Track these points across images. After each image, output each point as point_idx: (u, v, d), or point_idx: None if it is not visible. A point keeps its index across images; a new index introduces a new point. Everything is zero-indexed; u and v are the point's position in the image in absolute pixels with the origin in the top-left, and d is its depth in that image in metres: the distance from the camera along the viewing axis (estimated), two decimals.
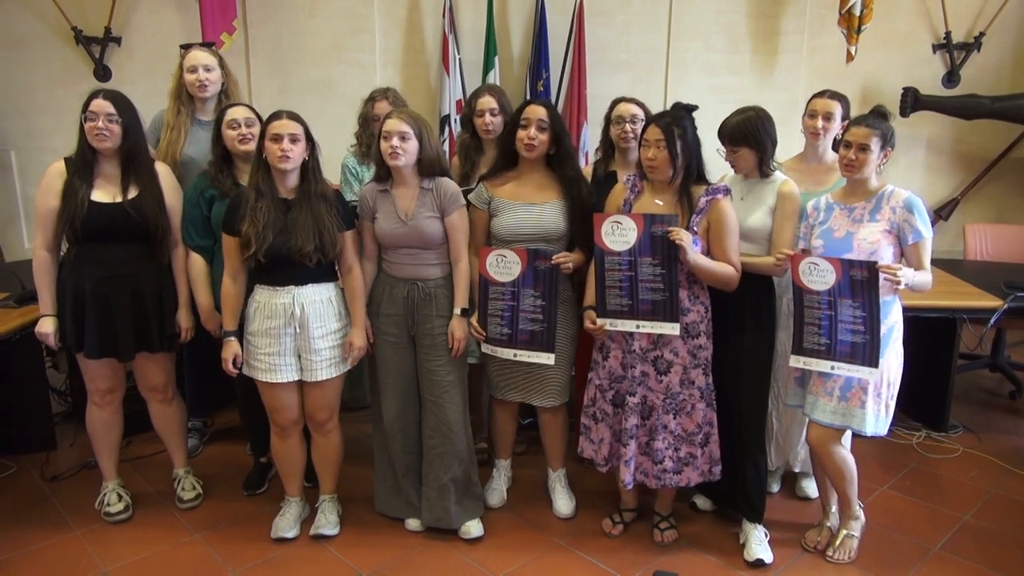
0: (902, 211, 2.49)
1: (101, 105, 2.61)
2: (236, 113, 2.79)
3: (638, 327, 2.56)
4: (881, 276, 2.38)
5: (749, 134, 2.59)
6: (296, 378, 2.64)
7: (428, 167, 2.64)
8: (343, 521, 2.90)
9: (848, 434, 2.73)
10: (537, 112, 2.71)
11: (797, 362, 2.57)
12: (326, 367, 2.64)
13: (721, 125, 2.64)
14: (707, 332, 2.61)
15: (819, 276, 2.47)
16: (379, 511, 2.96)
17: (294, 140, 2.49)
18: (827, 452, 2.61)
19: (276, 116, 2.53)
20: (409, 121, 2.57)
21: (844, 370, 2.48)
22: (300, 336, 2.60)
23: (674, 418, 2.62)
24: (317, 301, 2.60)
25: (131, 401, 3.01)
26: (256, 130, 2.74)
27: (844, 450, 2.64)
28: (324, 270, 2.62)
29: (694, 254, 2.46)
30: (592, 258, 2.65)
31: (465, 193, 2.78)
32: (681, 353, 2.59)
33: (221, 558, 2.72)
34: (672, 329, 2.52)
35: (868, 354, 2.45)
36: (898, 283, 2.38)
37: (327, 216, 2.55)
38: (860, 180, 2.54)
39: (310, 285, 2.59)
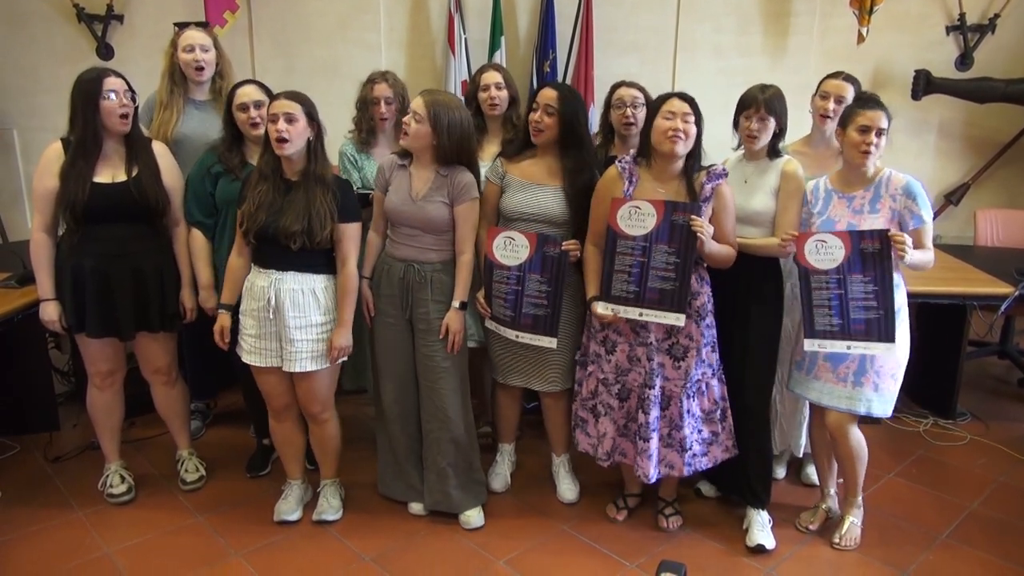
0: (903, 198, 2.46)
1: (119, 83, 2.59)
2: (245, 96, 2.75)
3: (641, 315, 2.51)
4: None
5: (781, 107, 2.58)
6: (277, 364, 2.59)
7: (443, 154, 2.59)
8: (346, 505, 2.89)
9: None
10: (546, 96, 2.67)
11: (812, 345, 2.51)
12: (304, 359, 2.56)
13: (749, 94, 2.59)
14: (712, 311, 2.59)
15: (827, 254, 2.43)
16: (382, 494, 2.95)
17: (290, 120, 2.43)
18: (844, 436, 2.59)
19: (275, 97, 2.50)
20: (426, 105, 2.54)
21: (861, 348, 2.45)
22: (277, 323, 2.55)
23: (694, 401, 2.61)
24: (296, 290, 2.52)
25: (133, 383, 3.00)
26: (265, 112, 2.70)
27: (860, 435, 2.63)
28: (312, 259, 2.53)
29: (711, 244, 2.43)
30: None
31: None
32: (695, 336, 2.56)
33: (224, 540, 2.72)
34: (677, 320, 2.47)
35: (883, 329, 2.42)
36: (902, 256, 2.36)
37: (322, 199, 2.48)
38: (867, 166, 2.50)
39: (291, 272, 2.52)
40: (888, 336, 2.42)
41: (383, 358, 2.76)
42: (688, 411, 2.60)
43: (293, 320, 2.53)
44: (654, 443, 2.60)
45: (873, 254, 2.38)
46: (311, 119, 2.50)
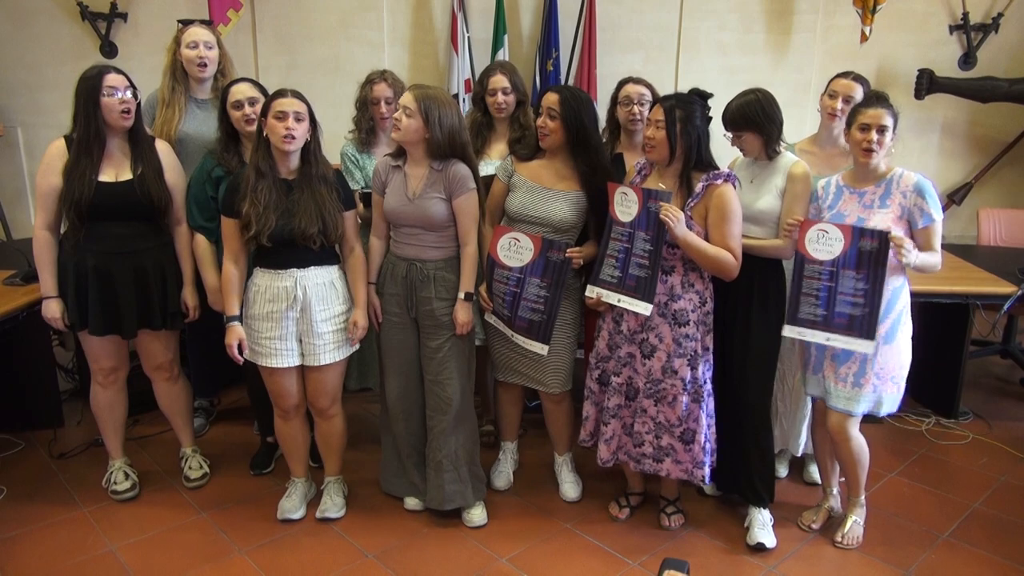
0: (913, 195, 2.46)
1: (120, 79, 2.59)
2: (239, 93, 2.75)
3: (619, 301, 2.55)
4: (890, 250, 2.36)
5: (750, 118, 2.55)
6: (298, 363, 2.63)
7: (436, 148, 2.58)
8: (349, 503, 2.90)
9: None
10: (548, 100, 2.67)
11: (791, 332, 2.53)
12: (329, 351, 2.62)
13: (724, 110, 2.60)
14: (698, 322, 2.56)
15: (826, 244, 2.45)
16: (384, 490, 2.96)
17: (299, 119, 2.45)
18: (845, 438, 2.59)
19: (280, 94, 2.48)
20: (416, 99, 2.52)
21: (840, 342, 2.46)
22: (303, 320, 2.58)
23: (654, 404, 2.61)
24: (320, 284, 2.58)
25: (137, 380, 3.01)
26: (260, 108, 2.70)
27: (861, 436, 2.63)
28: (327, 253, 2.60)
29: (683, 231, 2.42)
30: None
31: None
32: (666, 339, 2.56)
33: (227, 537, 2.73)
34: (644, 309, 2.50)
35: (866, 327, 2.42)
36: (902, 258, 2.35)
37: (329, 198, 2.52)
38: (873, 164, 2.50)
39: (312, 268, 2.57)
40: (868, 334, 2.42)
41: (388, 356, 2.77)
42: (644, 410, 2.62)
43: (320, 313, 2.57)
44: (612, 428, 2.67)
45: (870, 253, 2.39)
46: (311, 118, 2.52)
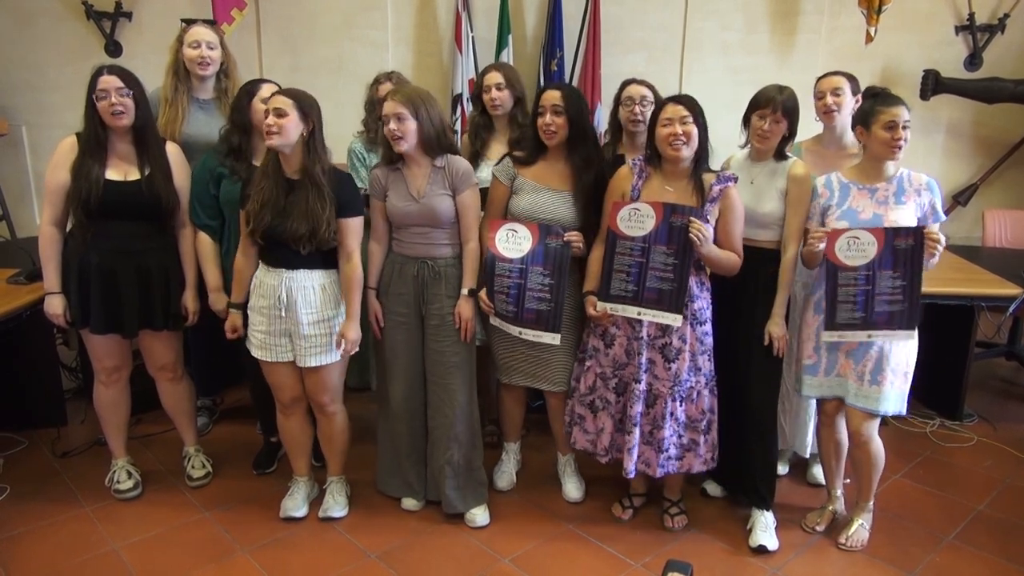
0: (927, 194, 2.48)
1: (110, 81, 2.57)
2: (264, 93, 2.70)
3: (639, 314, 2.52)
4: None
5: (795, 110, 2.56)
6: (289, 359, 2.62)
7: (430, 143, 2.58)
8: (352, 502, 2.90)
9: None
10: (551, 97, 2.66)
11: (831, 336, 2.52)
12: (316, 354, 2.59)
13: (766, 94, 2.55)
14: (712, 319, 2.59)
15: (858, 250, 2.43)
16: (379, 489, 2.96)
17: (280, 115, 2.42)
18: (866, 440, 2.58)
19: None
20: (404, 102, 2.51)
21: (881, 336, 2.45)
22: (288, 319, 2.57)
23: (680, 405, 2.60)
24: (307, 287, 2.55)
25: (140, 379, 3.01)
26: None
27: (879, 439, 2.62)
28: (316, 257, 2.55)
29: (709, 247, 2.43)
30: (591, 244, 2.67)
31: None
32: (689, 340, 2.56)
33: (230, 536, 2.73)
34: (675, 320, 2.49)
35: (906, 319, 2.43)
36: (933, 254, 2.37)
37: (320, 201, 2.48)
38: (896, 161, 2.49)
39: (301, 270, 2.55)
40: (910, 325, 2.43)
41: (393, 357, 2.76)
42: (671, 413, 2.60)
43: (305, 316, 2.55)
44: (635, 437, 2.62)
45: (905, 250, 2.39)
46: (305, 116, 2.47)
